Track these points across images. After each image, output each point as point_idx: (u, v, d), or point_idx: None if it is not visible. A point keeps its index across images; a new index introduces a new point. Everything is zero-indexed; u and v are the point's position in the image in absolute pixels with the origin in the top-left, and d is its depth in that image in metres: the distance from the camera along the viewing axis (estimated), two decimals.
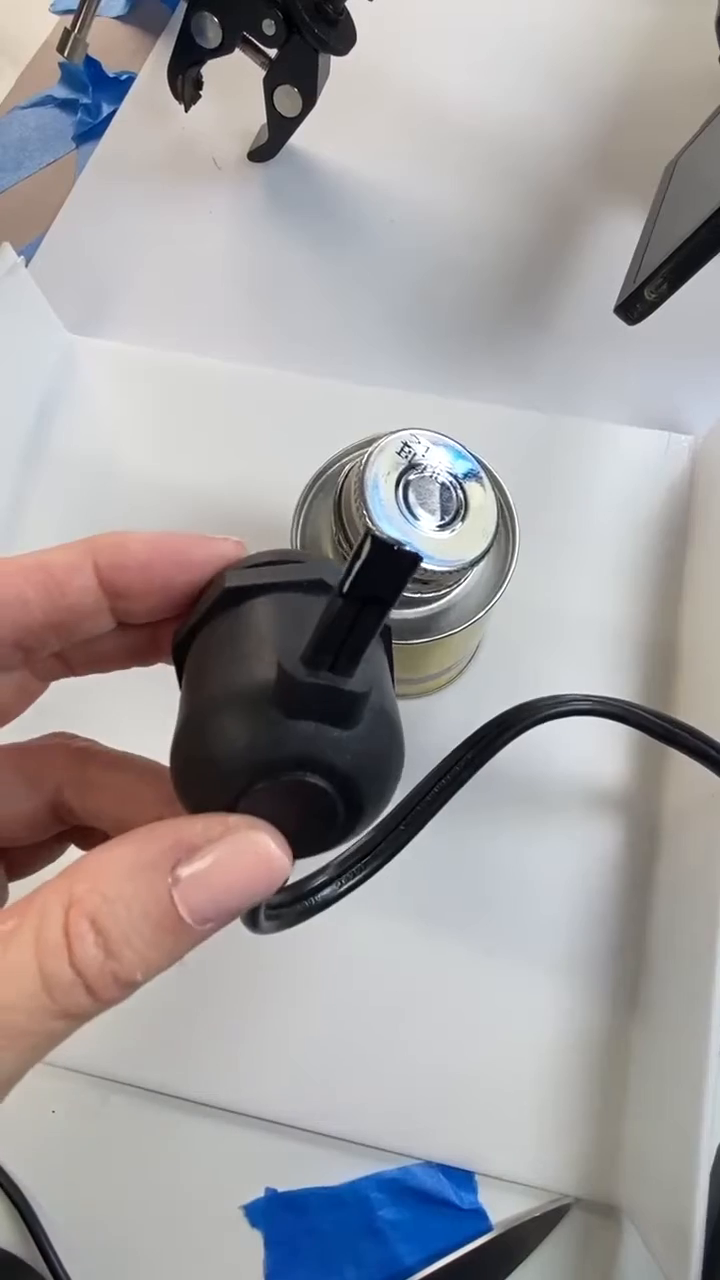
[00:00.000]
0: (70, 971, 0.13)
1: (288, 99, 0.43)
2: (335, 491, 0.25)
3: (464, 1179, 0.29)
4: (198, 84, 0.45)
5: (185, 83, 0.44)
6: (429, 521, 0.23)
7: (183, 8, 0.41)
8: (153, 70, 0.51)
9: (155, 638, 0.19)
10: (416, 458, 0.24)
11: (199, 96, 0.46)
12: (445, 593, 0.26)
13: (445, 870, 0.32)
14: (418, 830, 0.22)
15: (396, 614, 0.26)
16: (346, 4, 0.40)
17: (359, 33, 0.41)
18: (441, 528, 0.23)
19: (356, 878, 0.19)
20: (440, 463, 0.24)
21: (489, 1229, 0.28)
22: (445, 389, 0.40)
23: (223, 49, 0.42)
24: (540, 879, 0.32)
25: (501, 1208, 0.28)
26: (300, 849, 0.15)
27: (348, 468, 0.25)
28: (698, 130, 0.39)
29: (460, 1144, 0.29)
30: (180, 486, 0.38)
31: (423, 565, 0.23)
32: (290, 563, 0.17)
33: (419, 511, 0.23)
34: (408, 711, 0.33)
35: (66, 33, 0.43)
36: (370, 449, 0.23)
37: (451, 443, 0.24)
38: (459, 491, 0.24)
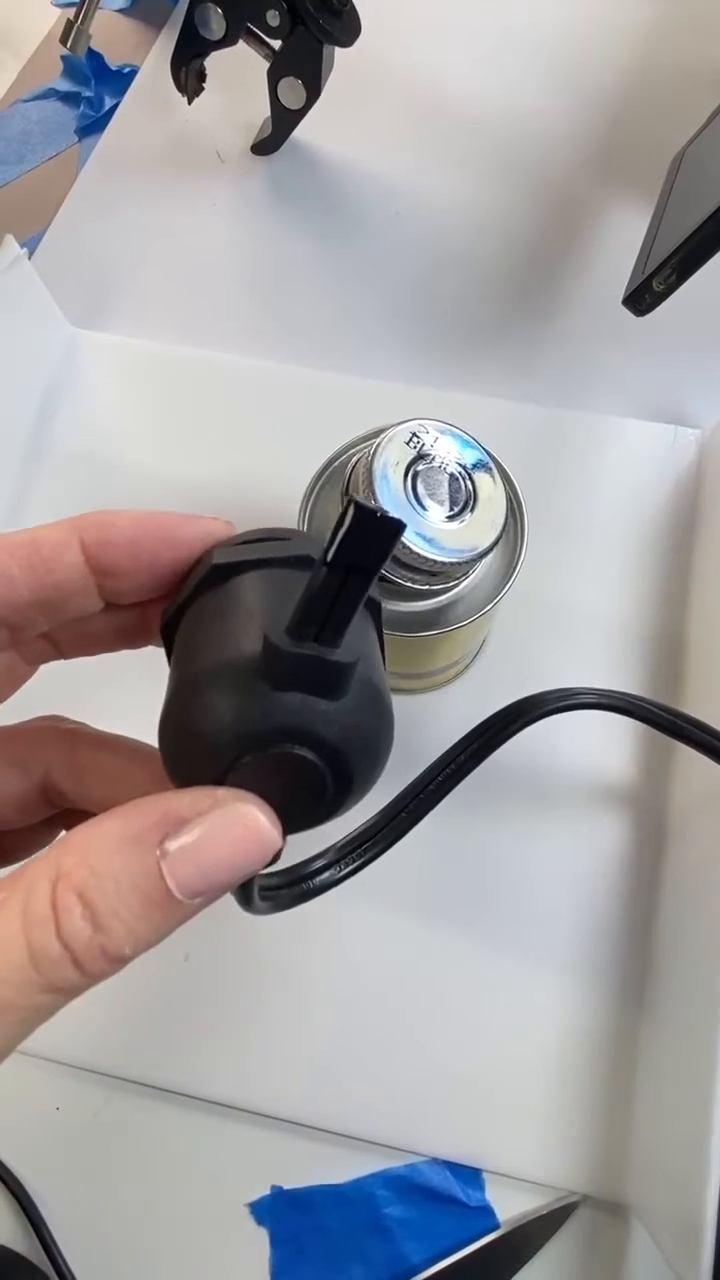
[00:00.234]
0: (58, 944, 0.13)
1: (291, 91, 0.43)
2: (343, 483, 0.25)
3: (471, 1176, 0.29)
4: (201, 76, 0.45)
5: (188, 75, 0.44)
6: (438, 512, 0.23)
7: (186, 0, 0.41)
8: (155, 63, 0.50)
9: (144, 618, 0.19)
10: (425, 448, 0.23)
11: (202, 89, 0.45)
12: (453, 585, 0.26)
13: (452, 866, 0.32)
14: (419, 818, 0.22)
15: (405, 607, 0.26)
16: None
17: (363, 24, 0.41)
18: (450, 519, 0.23)
19: (355, 863, 0.19)
20: (449, 453, 0.24)
21: (496, 1227, 0.28)
22: (449, 383, 0.40)
23: (226, 40, 0.42)
24: (547, 875, 0.31)
25: (509, 1205, 0.28)
26: (290, 823, 0.15)
27: (355, 459, 0.25)
28: (705, 121, 0.39)
29: (467, 1141, 0.29)
30: (183, 479, 0.38)
31: (432, 557, 0.23)
32: (278, 539, 0.17)
33: (428, 502, 0.23)
34: (414, 706, 0.33)
35: (69, 24, 0.43)
36: (378, 439, 0.23)
37: (460, 433, 0.24)
38: (468, 483, 0.24)
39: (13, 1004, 0.13)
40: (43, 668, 0.20)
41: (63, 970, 0.13)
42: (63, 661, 0.20)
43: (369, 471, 0.23)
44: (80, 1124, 0.30)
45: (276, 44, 0.42)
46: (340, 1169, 0.29)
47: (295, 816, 0.15)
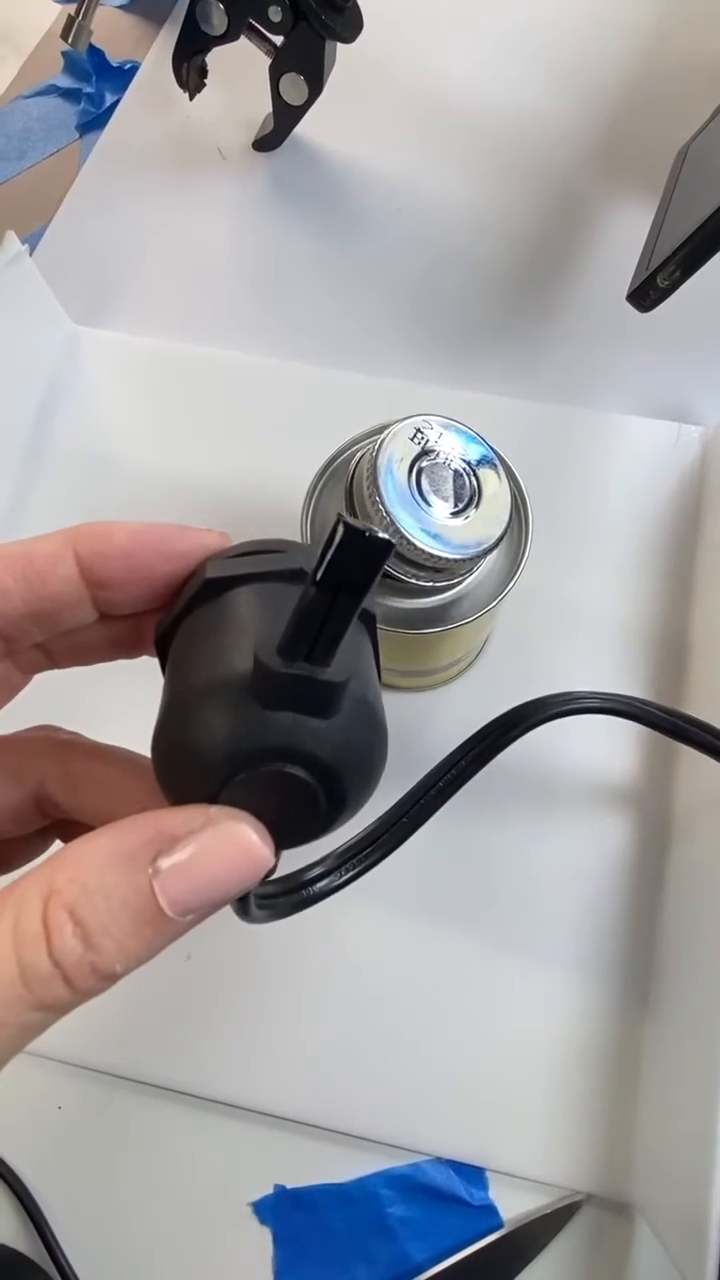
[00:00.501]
0: (48, 962, 0.13)
1: (293, 87, 0.43)
2: (346, 480, 0.25)
3: (475, 1175, 0.28)
4: (202, 72, 0.45)
5: (190, 71, 0.44)
6: (442, 508, 0.23)
7: None
8: (157, 59, 0.50)
9: (139, 629, 0.19)
10: (429, 444, 0.23)
11: (204, 85, 0.45)
12: (457, 582, 0.26)
13: (456, 867, 0.32)
14: (419, 825, 0.21)
15: (408, 603, 0.26)
16: None
17: (365, 20, 0.41)
18: (455, 514, 0.23)
19: (354, 870, 0.19)
20: (453, 449, 0.23)
21: (500, 1226, 0.28)
22: (451, 380, 0.40)
23: (228, 36, 0.42)
24: (551, 875, 0.31)
25: (512, 1204, 0.28)
26: (283, 840, 0.15)
27: (359, 455, 0.25)
28: (710, 116, 0.39)
29: (471, 1140, 0.29)
30: (185, 477, 0.38)
31: (436, 553, 0.23)
32: (272, 552, 0.17)
33: (432, 498, 0.23)
34: (416, 705, 0.33)
35: (70, 20, 0.43)
36: (382, 435, 0.23)
37: (464, 428, 0.24)
38: (472, 479, 0.24)
39: (2, 1021, 0.13)
40: (37, 677, 0.20)
41: (53, 988, 0.13)
42: (57, 671, 0.19)
43: (373, 467, 0.23)
44: (83, 1123, 0.30)
45: (278, 40, 0.41)
46: (343, 1168, 0.29)
47: (288, 833, 0.15)
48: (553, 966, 0.30)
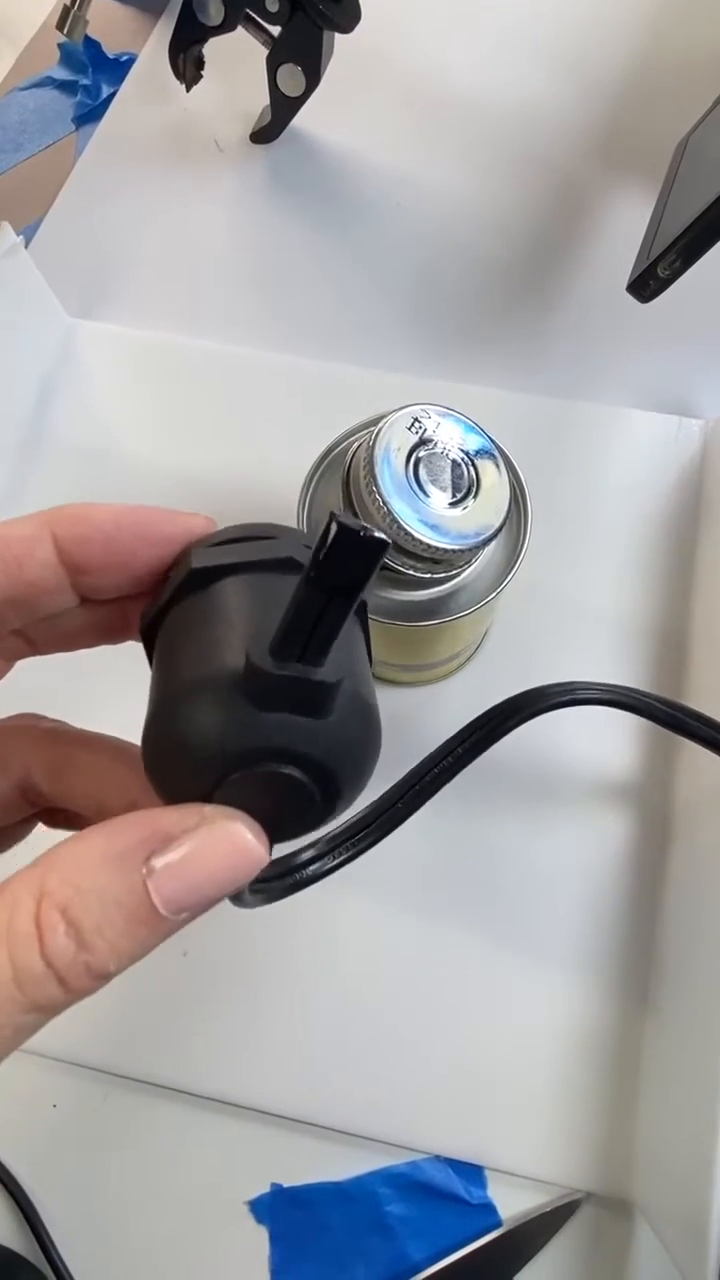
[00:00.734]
0: (41, 963, 0.13)
1: (291, 78, 0.42)
2: (343, 470, 0.24)
3: (473, 1174, 0.28)
4: (199, 63, 0.44)
5: (186, 62, 0.44)
6: (440, 499, 0.23)
7: None
8: (153, 51, 0.50)
9: (124, 614, 0.18)
10: (427, 433, 0.23)
11: (200, 76, 0.45)
12: (456, 573, 0.25)
13: (454, 863, 0.31)
14: (413, 810, 0.21)
15: (405, 595, 0.25)
16: None
17: (363, 10, 0.40)
18: (453, 505, 0.23)
19: (347, 854, 0.19)
20: (451, 438, 0.23)
21: (498, 1224, 0.28)
22: (451, 373, 0.39)
23: (225, 26, 0.42)
24: (551, 871, 0.31)
25: (511, 1203, 0.28)
26: (276, 835, 0.15)
27: (355, 446, 0.24)
28: (709, 108, 0.39)
29: (469, 1138, 0.28)
30: (181, 469, 0.38)
31: (434, 544, 0.22)
32: (259, 538, 0.16)
33: (430, 488, 0.23)
34: (413, 699, 0.33)
35: (66, 10, 0.42)
36: (379, 424, 0.23)
37: (462, 418, 0.24)
38: (471, 469, 0.23)
39: None
40: (18, 664, 0.19)
41: (46, 989, 0.13)
42: (39, 658, 0.19)
43: (370, 456, 0.22)
44: (78, 1121, 0.29)
45: (276, 30, 0.41)
46: (341, 1166, 0.29)
47: (281, 828, 0.15)
48: (552, 963, 0.30)
